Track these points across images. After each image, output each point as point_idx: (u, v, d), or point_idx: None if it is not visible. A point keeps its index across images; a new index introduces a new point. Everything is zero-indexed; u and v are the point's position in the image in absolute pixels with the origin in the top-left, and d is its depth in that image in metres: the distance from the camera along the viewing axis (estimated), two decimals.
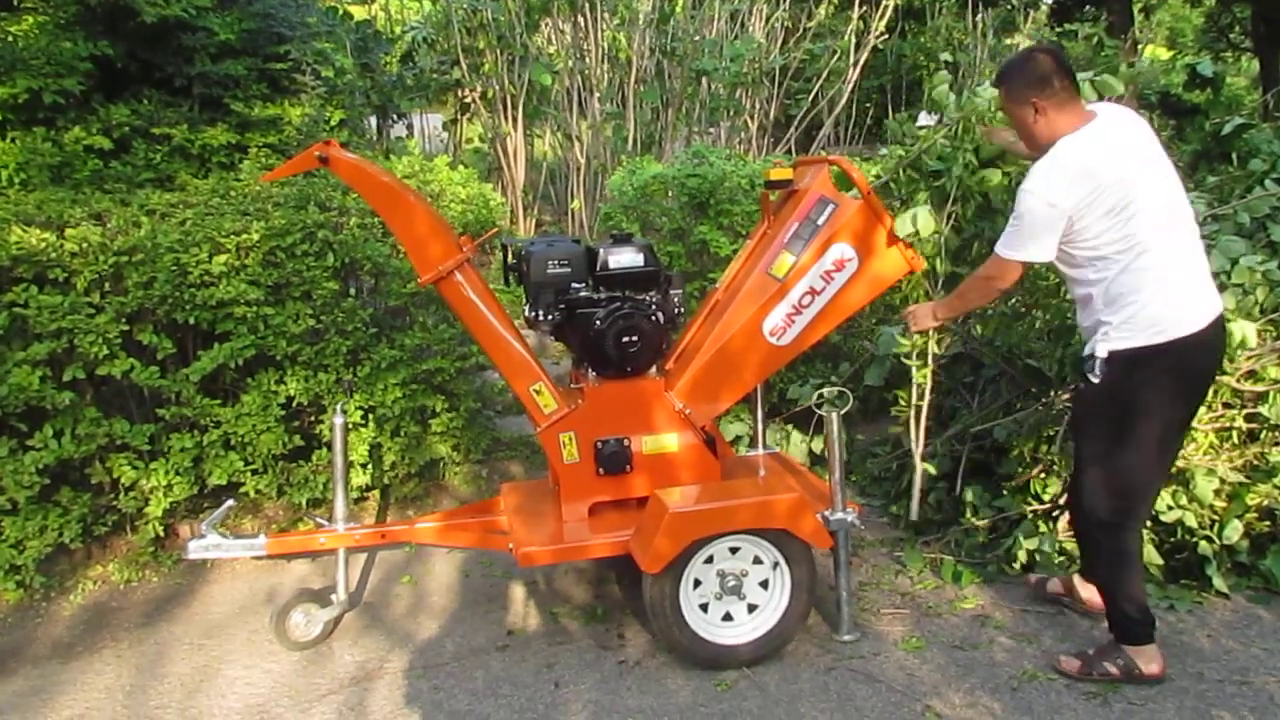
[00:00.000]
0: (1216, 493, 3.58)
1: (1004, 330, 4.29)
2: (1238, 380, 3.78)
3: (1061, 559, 3.67)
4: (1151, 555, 3.55)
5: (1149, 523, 3.62)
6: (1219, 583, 3.48)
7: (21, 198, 4.38)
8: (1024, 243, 2.90)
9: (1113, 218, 2.79)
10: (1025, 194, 2.86)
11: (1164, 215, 2.84)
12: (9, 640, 3.67)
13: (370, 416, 4.31)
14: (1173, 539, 3.62)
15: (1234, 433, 3.78)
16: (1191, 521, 3.55)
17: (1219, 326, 2.93)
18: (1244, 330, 3.55)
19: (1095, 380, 2.91)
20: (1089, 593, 3.30)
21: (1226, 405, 3.77)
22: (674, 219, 5.06)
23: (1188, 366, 2.88)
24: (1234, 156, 5.92)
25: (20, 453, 3.66)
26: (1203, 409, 3.76)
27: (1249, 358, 3.78)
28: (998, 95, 3.06)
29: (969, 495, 4.01)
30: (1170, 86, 8.76)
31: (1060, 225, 2.82)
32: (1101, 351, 2.89)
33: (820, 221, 3.29)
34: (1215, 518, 3.59)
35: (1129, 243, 2.81)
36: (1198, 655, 3.17)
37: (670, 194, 5.14)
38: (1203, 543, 3.53)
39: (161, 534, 4.06)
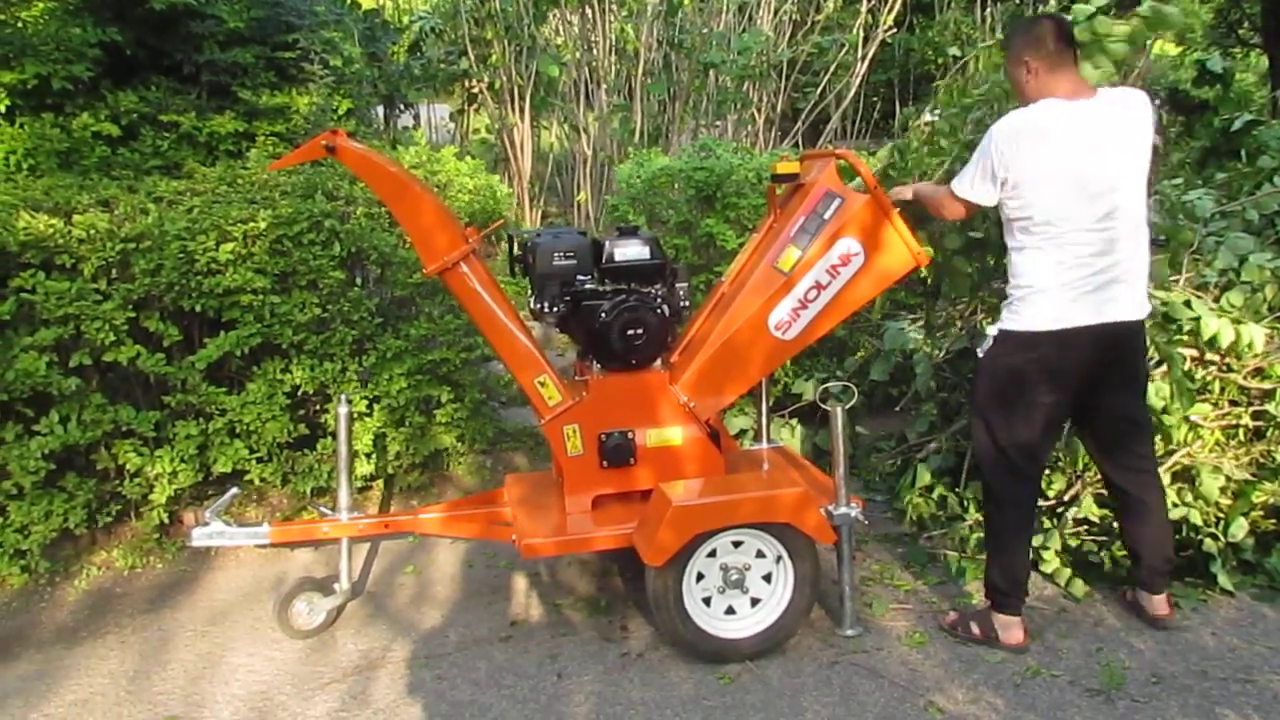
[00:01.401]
0: (1222, 490, 3.58)
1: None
2: (1244, 378, 3.77)
3: (1064, 555, 3.66)
4: None
5: None
6: (1224, 580, 3.47)
7: (29, 183, 4.39)
8: (970, 183, 3.03)
9: (1031, 191, 2.90)
10: (986, 135, 2.99)
11: (1083, 210, 2.89)
12: (13, 625, 3.68)
13: (375, 406, 4.32)
14: (1178, 536, 3.61)
15: (1240, 430, 3.78)
16: (1197, 519, 3.54)
17: (1107, 332, 2.96)
18: (1251, 334, 3.55)
19: (980, 355, 3.11)
20: (1152, 606, 3.30)
21: (1233, 403, 3.77)
22: (681, 212, 5.05)
23: (1062, 360, 2.98)
24: (1243, 153, 5.91)
25: (26, 438, 3.67)
26: (1208, 406, 3.77)
27: (1255, 355, 3.77)
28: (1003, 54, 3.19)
29: (973, 491, 4.00)
30: (1178, 83, 8.73)
31: (999, 175, 2.93)
32: (992, 330, 3.07)
33: (826, 216, 3.28)
34: (1220, 515, 3.59)
35: (1043, 221, 2.91)
36: (1202, 653, 3.16)
37: (677, 187, 5.14)
38: (1208, 540, 3.52)
39: (166, 521, 4.07)
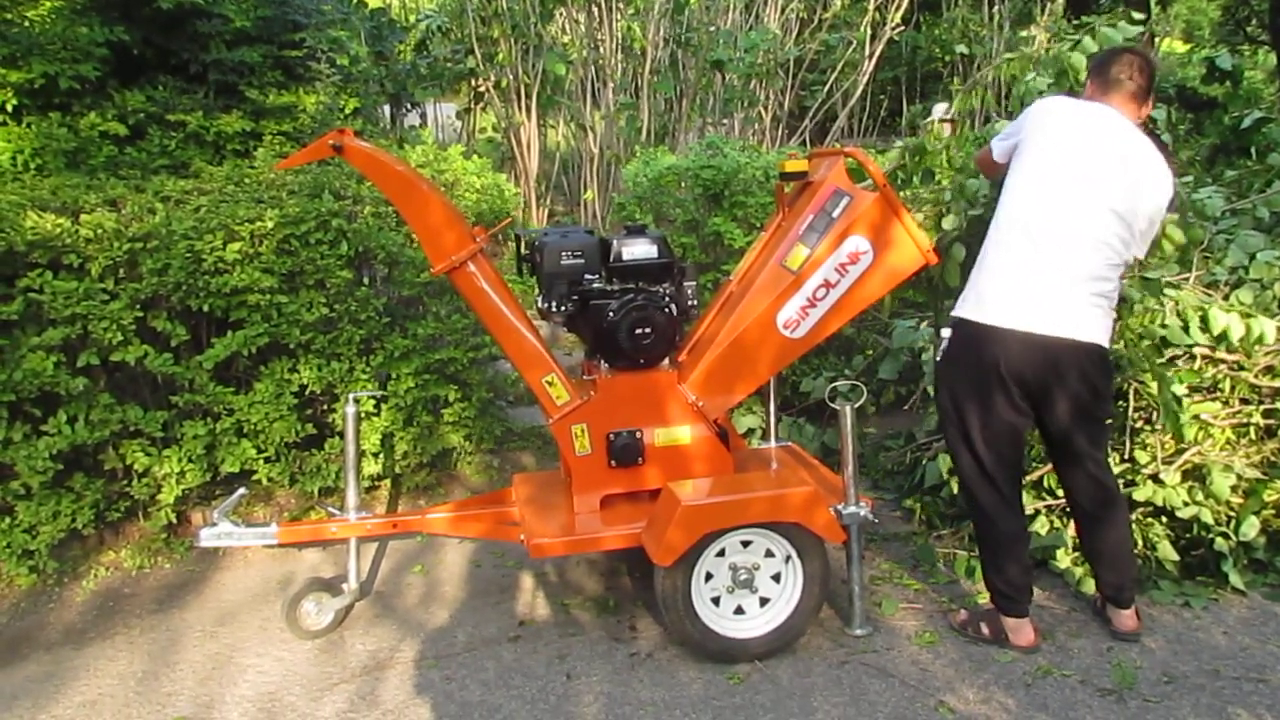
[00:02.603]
0: (1233, 489, 3.56)
1: None
2: (1255, 376, 3.75)
3: (1075, 554, 3.65)
4: (1168, 552, 3.54)
5: (1164, 518, 3.61)
6: (1235, 579, 3.46)
7: (37, 183, 4.39)
8: (1002, 137, 3.19)
9: (1020, 172, 3.00)
10: (1028, 111, 3.13)
11: (1052, 216, 2.93)
12: (22, 625, 3.68)
13: (383, 406, 4.31)
14: (1189, 535, 3.60)
15: (1251, 429, 3.76)
16: (1208, 518, 3.52)
17: (1035, 343, 2.92)
18: (1261, 327, 3.53)
19: (937, 359, 3.19)
20: (1119, 620, 3.27)
21: (1244, 401, 3.75)
22: (688, 210, 5.04)
23: (985, 355, 2.99)
24: (1253, 150, 5.88)
25: (34, 438, 3.67)
26: (1218, 405, 3.75)
27: (1267, 353, 3.75)
28: None
29: None
30: (1186, 80, 8.69)
31: (1013, 140, 3.10)
32: (946, 330, 3.14)
33: (835, 214, 3.27)
34: (1232, 514, 3.57)
35: (1004, 210, 3.01)
36: (1214, 652, 3.14)
37: (684, 185, 5.12)
38: (1219, 539, 3.51)
39: (174, 521, 4.07)
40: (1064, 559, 3.62)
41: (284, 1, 6.31)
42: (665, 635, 3.35)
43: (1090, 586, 3.49)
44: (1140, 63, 3.05)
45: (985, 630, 3.25)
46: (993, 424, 3.05)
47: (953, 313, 3.12)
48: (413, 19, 9.22)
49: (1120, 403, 3.77)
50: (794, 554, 3.16)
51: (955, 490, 4.11)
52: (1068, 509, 3.72)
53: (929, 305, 4.28)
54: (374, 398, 4.25)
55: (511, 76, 7.94)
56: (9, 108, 5.08)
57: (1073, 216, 2.92)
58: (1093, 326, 2.96)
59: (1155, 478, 3.61)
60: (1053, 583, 3.60)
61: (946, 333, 3.12)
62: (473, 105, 8.85)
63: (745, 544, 3.15)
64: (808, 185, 3.47)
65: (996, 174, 3.26)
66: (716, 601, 3.16)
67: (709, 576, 3.13)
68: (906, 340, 4.63)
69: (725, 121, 8.69)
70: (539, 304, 3.46)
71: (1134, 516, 3.58)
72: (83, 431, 3.73)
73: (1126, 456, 3.75)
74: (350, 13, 7.19)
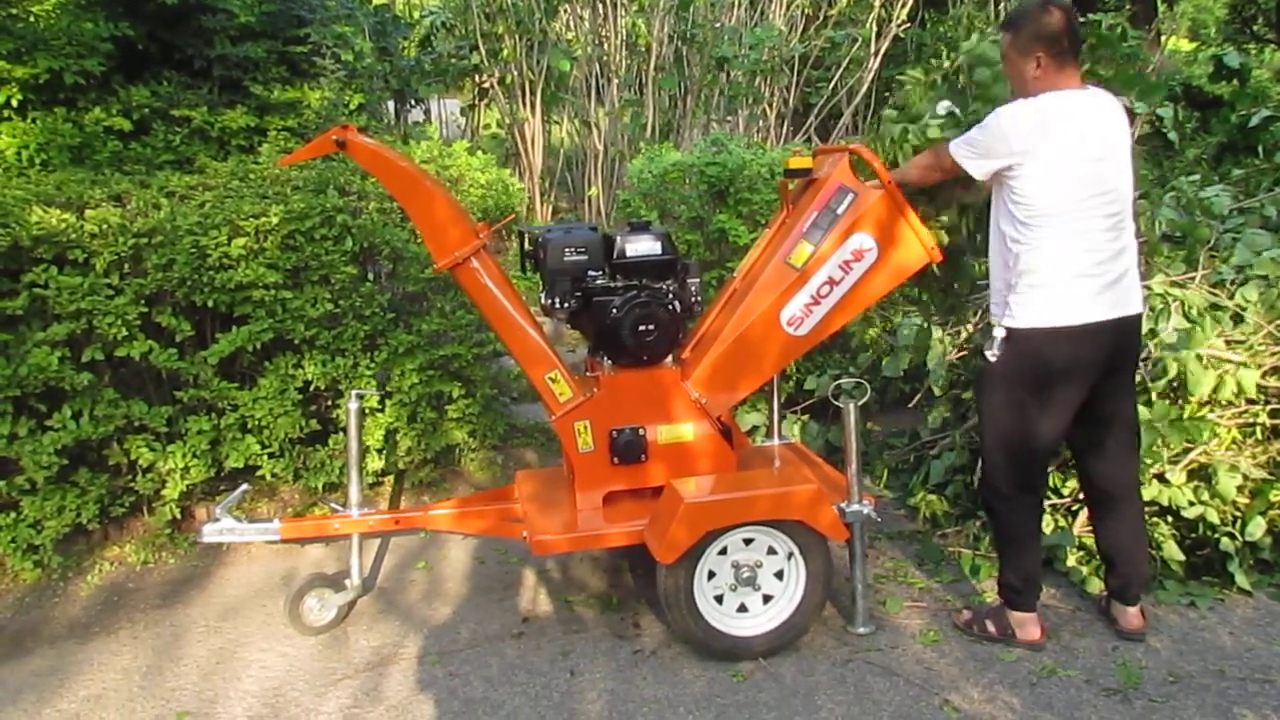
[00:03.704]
0: (1239, 489, 3.55)
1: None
2: (1261, 376, 3.73)
3: (1080, 553, 3.64)
4: (1173, 551, 3.52)
5: (1170, 518, 3.60)
6: (1241, 580, 3.45)
7: (42, 178, 4.39)
8: (970, 153, 2.97)
9: (1047, 182, 2.85)
10: (996, 114, 2.93)
11: (1097, 204, 2.88)
12: (26, 620, 3.69)
13: (386, 401, 4.31)
14: (1194, 535, 3.59)
15: (1257, 429, 3.74)
16: (1214, 518, 3.51)
17: (1122, 327, 2.96)
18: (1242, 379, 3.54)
19: (992, 358, 3.03)
20: (1124, 618, 3.26)
21: (1250, 401, 3.73)
22: (692, 207, 5.03)
23: (1081, 356, 2.95)
24: (1260, 149, 5.86)
25: (39, 433, 3.67)
26: (1222, 407, 3.74)
27: (1273, 354, 3.73)
28: (1001, 39, 3.06)
29: None
30: (1193, 78, 8.67)
31: (1003, 160, 2.90)
32: (1000, 331, 3.00)
33: (840, 210, 3.26)
34: (1238, 514, 3.56)
35: (1053, 213, 2.87)
36: (1219, 653, 3.13)
37: (689, 182, 5.11)
38: (1225, 539, 3.49)
39: (178, 516, 4.07)
40: (1068, 558, 3.61)
41: None
42: (668, 633, 3.35)
43: (1096, 586, 3.48)
44: (1070, 16, 2.93)
45: (991, 628, 3.25)
46: (1057, 421, 3.03)
47: (1015, 323, 2.96)
48: (417, 15, 9.22)
49: None
50: (797, 552, 3.15)
51: (952, 486, 4.10)
52: (1076, 506, 3.73)
53: (933, 303, 4.26)
54: (376, 395, 4.25)
55: (516, 72, 7.94)
56: (14, 103, 5.07)
57: (1117, 201, 2.92)
58: (1141, 295, 3.06)
59: (1161, 477, 3.60)
60: (1057, 582, 3.59)
61: (1001, 333, 3.00)
62: (477, 101, 8.85)
63: (748, 542, 3.14)
64: (812, 182, 3.45)
65: (934, 180, 3.18)
66: (719, 599, 3.16)
67: (712, 574, 3.13)
68: (911, 338, 4.61)
69: (730, 118, 8.68)
70: (542, 300, 3.46)
71: None
72: (87, 427, 3.74)
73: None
74: (355, 8, 7.18)
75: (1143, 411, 3.43)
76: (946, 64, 3.62)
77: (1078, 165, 2.86)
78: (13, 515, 3.73)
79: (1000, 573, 3.25)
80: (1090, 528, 3.67)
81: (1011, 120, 2.88)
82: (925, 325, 4.31)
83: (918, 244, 3.25)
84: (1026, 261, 2.93)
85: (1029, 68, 2.94)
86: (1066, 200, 2.86)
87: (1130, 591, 3.22)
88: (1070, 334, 2.91)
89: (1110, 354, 2.99)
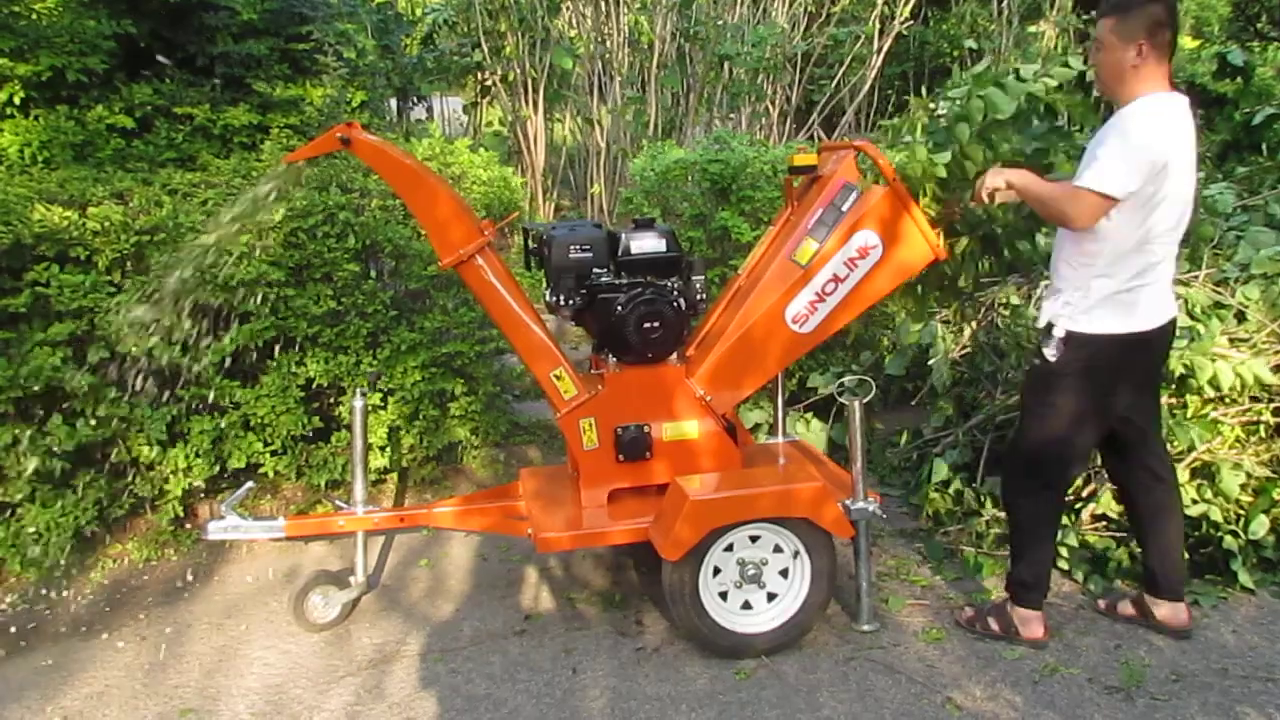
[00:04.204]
0: (1243, 487, 3.55)
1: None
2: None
3: (1085, 552, 3.64)
4: None
5: None
6: (1244, 578, 3.45)
7: (44, 176, 4.38)
8: (1123, 177, 2.71)
9: (1145, 200, 2.78)
10: (1126, 124, 2.76)
11: (1177, 214, 2.86)
12: (30, 617, 3.69)
13: (389, 399, 4.31)
14: (1197, 533, 3.58)
15: (1261, 427, 3.74)
16: (1217, 516, 3.51)
17: (1171, 328, 3.03)
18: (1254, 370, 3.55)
19: (1051, 358, 2.98)
20: (1165, 610, 3.23)
21: (1254, 399, 3.73)
22: (695, 204, 5.03)
23: (1139, 359, 2.97)
24: (1264, 147, 5.85)
25: (40, 437, 3.66)
26: (1225, 404, 3.73)
27: (1277, 352, 3.73)
28: (1102, 24, 2.86)
29: (990, 486, 3.98)
30: (1197, 76, 8.65)
31: (1157, 167, 2.72)
32: (1060, 330, 2.95)
33: (844, 208, 3.25)
34: (1241, 513, 3.56)
35: (1142, 229, 2.81)
36: (1222, 651, 3.13)
37: (691, 179, 5.11)
38: (1228, 538, 3.49)
39: (181, 514, 4.07)
40: (1071, 556, 3.60)
41: None
42: (672, 630, 3.35)
43: (1098, 585, 3.48)
44: (1174, 9, 2.82)
45: (994, 625, 3.24)
46: (1104, 421, 3.04)
47: (1079, 327, 2.91)
48: (419, 12, 9.21)
49: None
50: (802, 549, 3.15)
51: (962, 485, 4.10)
52: (1079, 505, 3.73)
53: (938, 301, 4.25)
54: (380, 391, 4.25)
55: (518, 70, 7.94)
56: (16, 100, 5.07)
57: (1188, 211, 2.91)
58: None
59: None
60: (1060, 581, 3.58)
61: (1061, 334, 2.93)
62: (479, 99, 8.86)
63: (753, 539, 3.14)
64: (817, 179, 3.45)
65: (1091, 224, 2.81)
66: (724, 596, 3.16)
67: (716, 571, 3.13)
68: (915, 336, 4.61)
69: (733, 116, 8.68)
70: (547, 298, 3.45)
71: None
72: (86, 430, 3.71)
73: None
74: (357, 5, 7.17)
75: None
76: (933, 105, 3.59)
77: (1187, 185, 2.85)
78: (14, 524, 3.69)
79: (1011, 568, 3.24)
80: (1094, 525, 3.69)
81: (1154, 125, 2.74)
82: (917, 318, 4.30)
83: (922, 241, 3.24)
84: (1105, 268, 2.86)
85: (1129, 55, 2.78)
86: (1154, 219, 2.80)
87: (1177, 587, 3.20)
88: (1131, 340, 2.91)
89: (1160, 355, 3.06)
